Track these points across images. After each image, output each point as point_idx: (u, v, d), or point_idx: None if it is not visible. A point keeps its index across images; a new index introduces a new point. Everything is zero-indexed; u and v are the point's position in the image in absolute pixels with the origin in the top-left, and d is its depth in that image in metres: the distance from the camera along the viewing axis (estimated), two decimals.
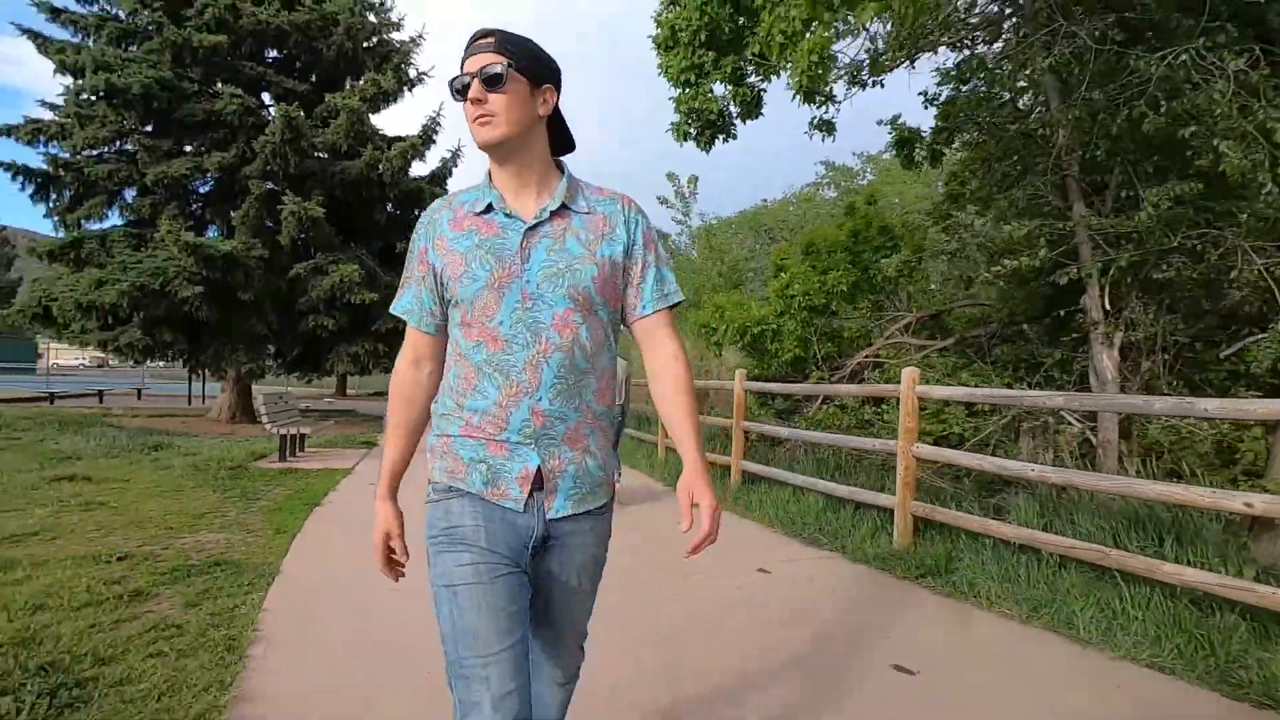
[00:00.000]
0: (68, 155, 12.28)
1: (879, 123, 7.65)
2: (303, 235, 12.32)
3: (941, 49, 6.54)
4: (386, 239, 14.12)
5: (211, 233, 13.01)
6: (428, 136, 14.30)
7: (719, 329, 8.99)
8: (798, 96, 5.91)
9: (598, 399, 1.36)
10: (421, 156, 14.15)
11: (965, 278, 8.77)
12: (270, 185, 12.18)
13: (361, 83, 13.39)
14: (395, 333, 14.00)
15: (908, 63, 6.62)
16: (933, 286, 9.69)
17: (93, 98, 11.69)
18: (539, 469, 1.30)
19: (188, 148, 12.55)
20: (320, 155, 12.79)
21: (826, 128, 7.38)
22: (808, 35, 5.07)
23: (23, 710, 2.16)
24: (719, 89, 6.84)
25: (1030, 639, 3.12)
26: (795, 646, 3.03)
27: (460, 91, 1.30)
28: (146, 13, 11.99)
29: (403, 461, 1.43)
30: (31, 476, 6.39)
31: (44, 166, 12.21)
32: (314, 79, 13.94)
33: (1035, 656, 2.93)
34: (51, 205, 12.65)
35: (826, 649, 3.01)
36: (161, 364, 16.56)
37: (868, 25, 5.82)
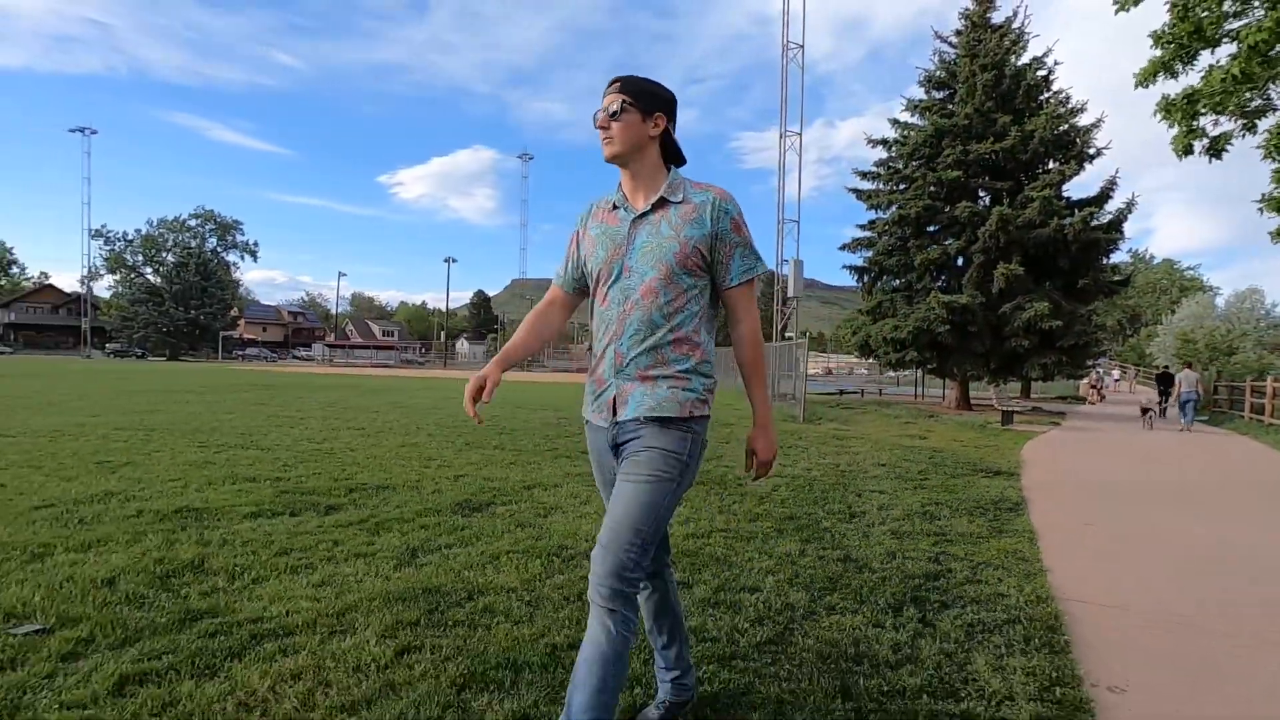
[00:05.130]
0: (870, 254, 21.93)
1: None
2: (1007, 286, 18.54)
3: None
4: (1068, 279, 19.01)
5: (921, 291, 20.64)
6: (1104, 196, 18.58)
7: None
8: None
9: (675, 350, 1.75)
10: (1096, 216, 18.47)
11: None
12: (986, 257, 18.89)
13: (1050, 171, 18.75)
14: (1077, 347, 18.73)
15: None
16: None
17: (887, 220, 20.83)
18: (614, 396, 1.77)
19: (936, 242, 20.56)
20: (1019, 227, 18.75)
21: None
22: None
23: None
24: None
25: None
26: None
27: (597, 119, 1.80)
28: (915, 164, 20.52)
29: (517, 349, 1.91)
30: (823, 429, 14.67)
31: (860, 264, 22.23)
32: (1014, 174, 20.04)
33: None
34: (863, 283, 22.67)
35: None
36: (899, 372, 25.77)
37: None
